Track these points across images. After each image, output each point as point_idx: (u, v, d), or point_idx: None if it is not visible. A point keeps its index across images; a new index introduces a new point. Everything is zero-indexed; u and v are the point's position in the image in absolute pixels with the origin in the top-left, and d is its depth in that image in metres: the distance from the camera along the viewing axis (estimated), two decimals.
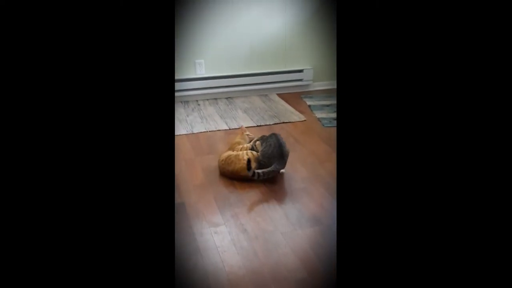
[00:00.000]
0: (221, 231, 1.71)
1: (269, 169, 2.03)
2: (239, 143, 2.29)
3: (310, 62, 3.51)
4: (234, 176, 2.09)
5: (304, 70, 3.47)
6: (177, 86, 3.21)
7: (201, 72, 3.28)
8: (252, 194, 1.99)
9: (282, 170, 2.11)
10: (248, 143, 2.29)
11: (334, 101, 3.27)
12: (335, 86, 3.54)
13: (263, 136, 2.20)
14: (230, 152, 2.16)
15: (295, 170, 2.19)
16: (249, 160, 2.00)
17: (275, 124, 2.86)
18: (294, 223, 1.76)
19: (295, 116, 2.99)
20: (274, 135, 2.13)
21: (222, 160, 2.14)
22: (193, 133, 2.71)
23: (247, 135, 2.37)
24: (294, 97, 3.41)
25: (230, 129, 2.78)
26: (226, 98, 3.38)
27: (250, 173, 1.98)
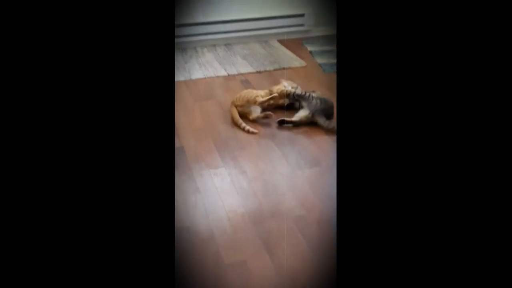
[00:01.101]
0: (221, 173, 1.72)
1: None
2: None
3: (312, 5, 3.37)
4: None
5: (306, 15, 3.34)
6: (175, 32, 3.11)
7: (199, 17, 3.17)
8: (251, 137, 1.98)
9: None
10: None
11: (336, 47, 3.17)
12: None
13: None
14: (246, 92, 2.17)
15: (293, 113, 2.17)
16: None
17: (275, 70, 2.80)
18: (293, 164, 1.77)
19: (296, 61, 2.92)
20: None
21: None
22: (191, 80, 2.66)
23: (289, 82, 2.27)
24: (295, 43, 3.31)
25: (229, 75, 2.73)
26: (225, 44, 3.29)
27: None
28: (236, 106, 2.12)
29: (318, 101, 2.07)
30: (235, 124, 2.07)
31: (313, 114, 2.04)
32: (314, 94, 2.13)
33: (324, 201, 1.54)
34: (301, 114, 2.06)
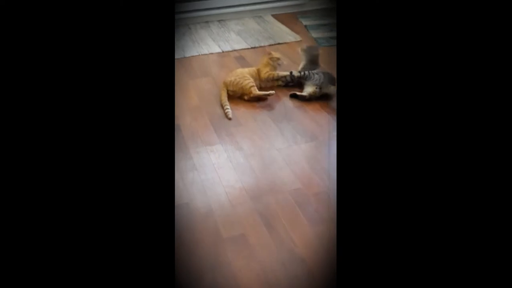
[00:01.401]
0: (217, 150, 1.72)
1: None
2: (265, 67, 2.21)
3: None
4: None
5: None
6: None
7: None
8: (247, 114, 1.97)
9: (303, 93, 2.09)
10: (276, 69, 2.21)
11: (331, 20, 3.13)
12: (332, 5, 3.36)
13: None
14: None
15: (290, 89, 2.16)
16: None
17: (270, 45, 2.76)
18: (290, 139, 1.77)
19: (291, 36, 2.87)
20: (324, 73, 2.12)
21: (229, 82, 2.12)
22: (185, 57, 2.63)
23: (273, 58, 2.22)
24: (290, 18, 3.25)
25: (223, 52, 2.69)
26: (218, 21, 3.23)
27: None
28: (228, 90, 2.10)
29: (321, 75, 2.09)
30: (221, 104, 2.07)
31: (320, 88, 2.06)
32: (314, 71, 2.13)
33: (320, 174, 1.55)
34: (309, 89, 2.07)
